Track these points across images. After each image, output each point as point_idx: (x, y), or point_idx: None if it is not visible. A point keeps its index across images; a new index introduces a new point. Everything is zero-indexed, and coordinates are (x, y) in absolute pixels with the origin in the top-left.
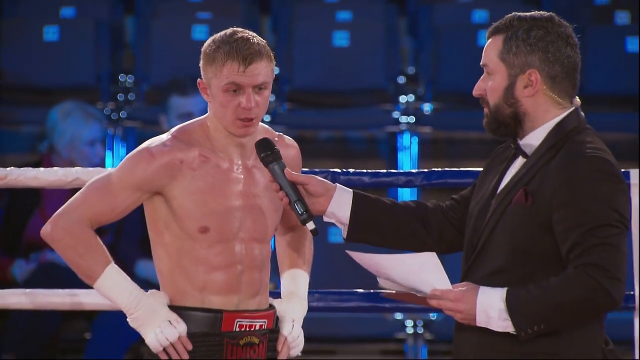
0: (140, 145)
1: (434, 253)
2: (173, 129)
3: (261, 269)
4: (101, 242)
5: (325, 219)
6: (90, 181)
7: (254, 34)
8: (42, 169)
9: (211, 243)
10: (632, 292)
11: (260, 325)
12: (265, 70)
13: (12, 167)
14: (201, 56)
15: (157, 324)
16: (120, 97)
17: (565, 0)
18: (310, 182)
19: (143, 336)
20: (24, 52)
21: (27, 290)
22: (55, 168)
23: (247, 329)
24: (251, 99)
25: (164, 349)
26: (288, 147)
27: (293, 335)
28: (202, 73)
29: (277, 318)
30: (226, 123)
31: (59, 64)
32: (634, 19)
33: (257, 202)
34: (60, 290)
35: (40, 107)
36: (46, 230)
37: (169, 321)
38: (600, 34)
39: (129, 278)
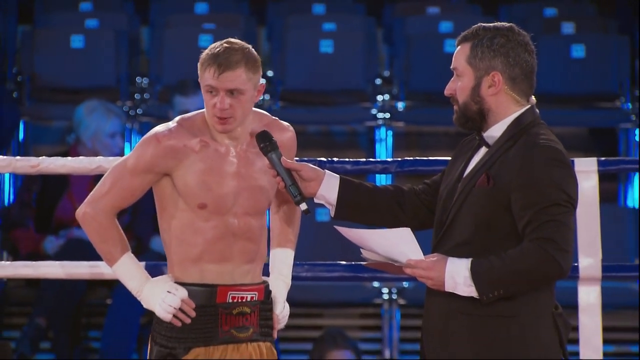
0: (149, 132)
1: (409, 228)
2: (177, 118)
3: (256, 240)
4: (121, 231)
5: (316, 200)
6: (110, 170)
7: (246, 46)
8: (69, 157)
9: (208, 217)
10: (576, 264)
11: (252, 297)
12: (240, 78)
13: (44, 157)
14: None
15: (158, 296)
16: (137, 96)
17: (518, 13)
18: (303, 168)
19: (154, 311)
20: (54, 57)
21: (57, 262)
22: (80, 157)
23: (240, 300)
24: (224, 101)
25: (174, 316)
26: (283, 130)
27: (284, 314)
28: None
29: (269, 292)
30: (209, 119)
31: (84, 68)
32: (578, 29)
33: (250, 182)
34: (85, 262)
35: (68, 105)
36: (78, 215)
37: (168, 291)
38: (549, 42)
39: (140, 265)
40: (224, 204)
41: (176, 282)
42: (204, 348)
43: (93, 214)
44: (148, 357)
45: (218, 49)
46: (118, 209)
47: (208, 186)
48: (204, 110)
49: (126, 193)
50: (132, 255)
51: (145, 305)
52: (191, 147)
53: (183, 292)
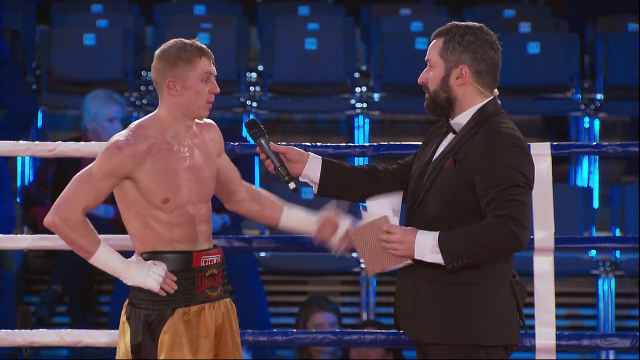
0: (110, 141)
1: (401, 192)
2: (132, 125)
3: (208, 221)
4: (92, 227)
5: (301, 179)
6: (74, 179)
7: None
8: (82, 142)
9: (172, 209)
10: (532, 237)
11: (216, 260)
12: None
13: (60, 142)
14: (169, 61)
15: (146, 270)
16: (142, 88)
17: (480, 14)
18: (289, 151)
19: (144, 286)
20: (68, 54)
21: None
22: (92, 142)
23: (210, 263)
24: (216, 84)
25: (162, 288)
26: (211, 128)
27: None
28: (172, 73)
29: (223, 254)
30: (197, 107)
31: (95, 63)
32: (533, 28)
33: (199, 173)
34: None
35: (81, 96)
36: (48, 220)
37: (153, 263)
38: (508, 40)
39: (115, 252)
40: (183, 195)
41: (153, 251)
42: (186, 308)
43: (64, 217)
44: (128, 319)
45: (191, 43)
46: (86, 211)
47: (168, 182)
48: (151, 115)
49: (92, 197)
50: (106, 245)
51: (131, 283)
52: (148, 151)
53: (164, 264)
